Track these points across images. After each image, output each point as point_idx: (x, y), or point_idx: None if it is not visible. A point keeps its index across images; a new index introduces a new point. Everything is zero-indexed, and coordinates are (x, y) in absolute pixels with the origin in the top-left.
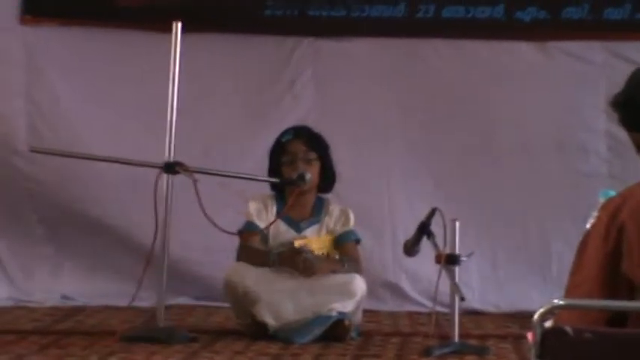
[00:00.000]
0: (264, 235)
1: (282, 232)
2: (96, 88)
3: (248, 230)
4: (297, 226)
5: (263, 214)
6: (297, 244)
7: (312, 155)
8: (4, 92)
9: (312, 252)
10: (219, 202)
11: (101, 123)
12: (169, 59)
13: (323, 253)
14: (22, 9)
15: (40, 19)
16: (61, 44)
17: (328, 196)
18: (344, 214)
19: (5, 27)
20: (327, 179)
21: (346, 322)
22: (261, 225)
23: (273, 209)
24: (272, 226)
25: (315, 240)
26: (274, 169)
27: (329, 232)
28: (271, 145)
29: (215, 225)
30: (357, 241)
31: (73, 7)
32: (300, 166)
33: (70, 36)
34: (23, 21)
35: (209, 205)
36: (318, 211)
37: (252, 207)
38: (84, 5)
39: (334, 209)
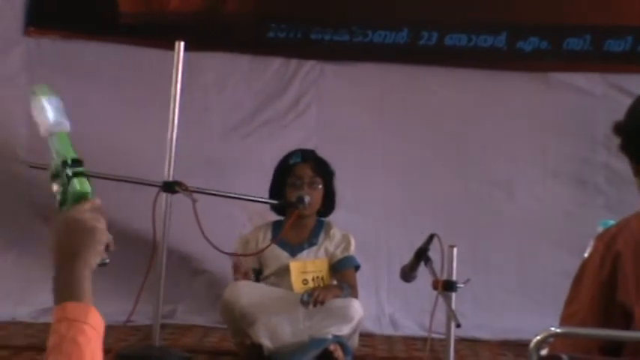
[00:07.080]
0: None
1: (276, 255)
2: (96, 101)
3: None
4: (292, 249)
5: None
6: (292, 267)
7: (318, 181)
8: (6, 103)
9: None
10: (220, 213)
11: (101, 137)
12: (171, 76)
13: (318, 277)
14: (25, 20)
15: (43, 31)
16: (64, 56)
17: (330, 219)
18: (345, 240)
19: (9, 38)
20: (328, 205)
21: (331, 347)
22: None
23: (267, 236)
24: (267, 250)
25: (310, 263)
26: (277, 189)
27: (328, 255)
28: (277, 164)
29: (214, 246)
30: (357, 268)
31: (77, 20)
32: (305, 190)
33: (72, 49)
34: (27, 32)
35: (210, 216)
36: (316, 233)
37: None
38: (88, 19)
39: (335, 233)
